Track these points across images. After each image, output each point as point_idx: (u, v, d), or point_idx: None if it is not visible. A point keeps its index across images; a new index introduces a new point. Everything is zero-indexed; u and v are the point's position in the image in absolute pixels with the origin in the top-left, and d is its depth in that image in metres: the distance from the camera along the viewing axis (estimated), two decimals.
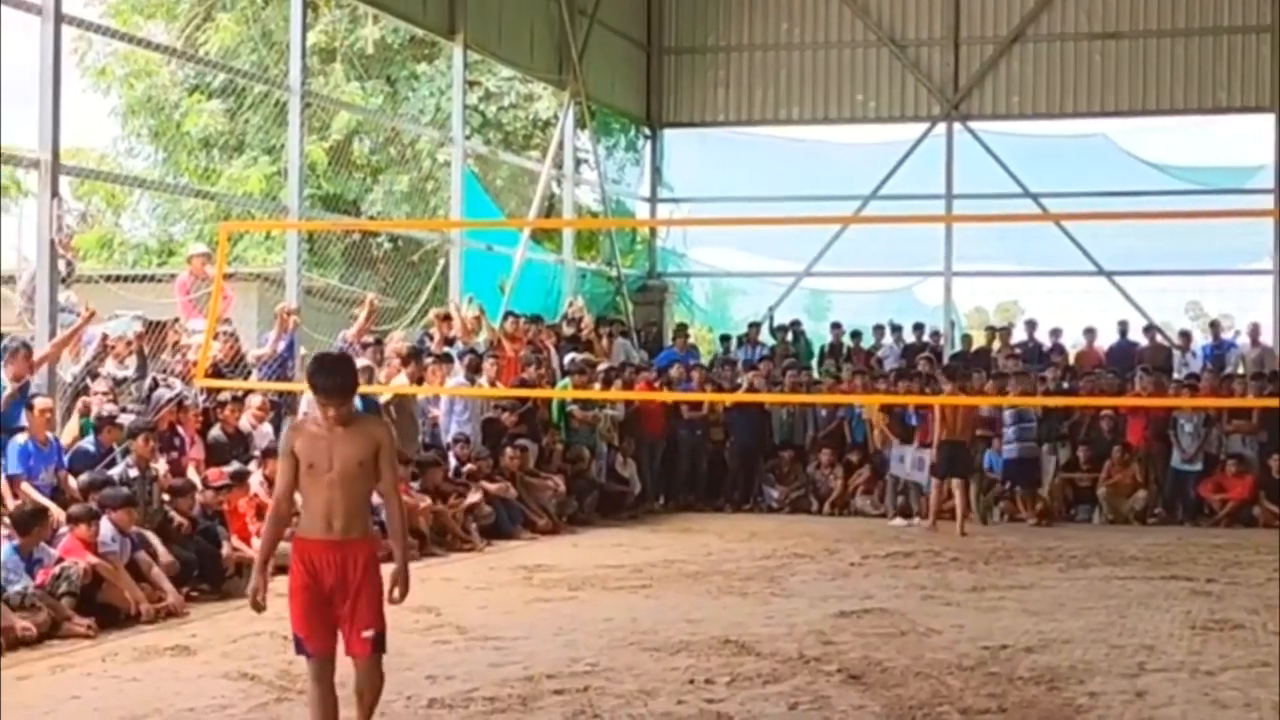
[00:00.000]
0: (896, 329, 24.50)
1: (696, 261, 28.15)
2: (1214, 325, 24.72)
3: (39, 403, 12.59)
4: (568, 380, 19.41)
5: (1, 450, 12.46)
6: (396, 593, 6.96)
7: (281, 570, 7.87)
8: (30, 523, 11.01)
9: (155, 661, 9.91)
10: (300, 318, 16.59)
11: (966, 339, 25.52)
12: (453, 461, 17.06)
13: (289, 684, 9.02)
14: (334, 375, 6.77)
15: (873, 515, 19.88)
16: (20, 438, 12.37)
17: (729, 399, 20.76)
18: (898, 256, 26.60)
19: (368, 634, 6.84)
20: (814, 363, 24.03)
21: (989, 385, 19.99)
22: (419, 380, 16.88)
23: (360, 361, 16.13)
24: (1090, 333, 24.43)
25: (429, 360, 17.33)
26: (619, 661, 9.83)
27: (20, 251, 18.41)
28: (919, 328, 24.68)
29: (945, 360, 22.97)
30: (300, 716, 8.24)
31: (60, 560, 11.07)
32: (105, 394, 13.78)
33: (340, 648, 6.90)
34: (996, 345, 23.97)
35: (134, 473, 12.68)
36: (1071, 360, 23.43)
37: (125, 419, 13.34)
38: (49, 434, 12.54)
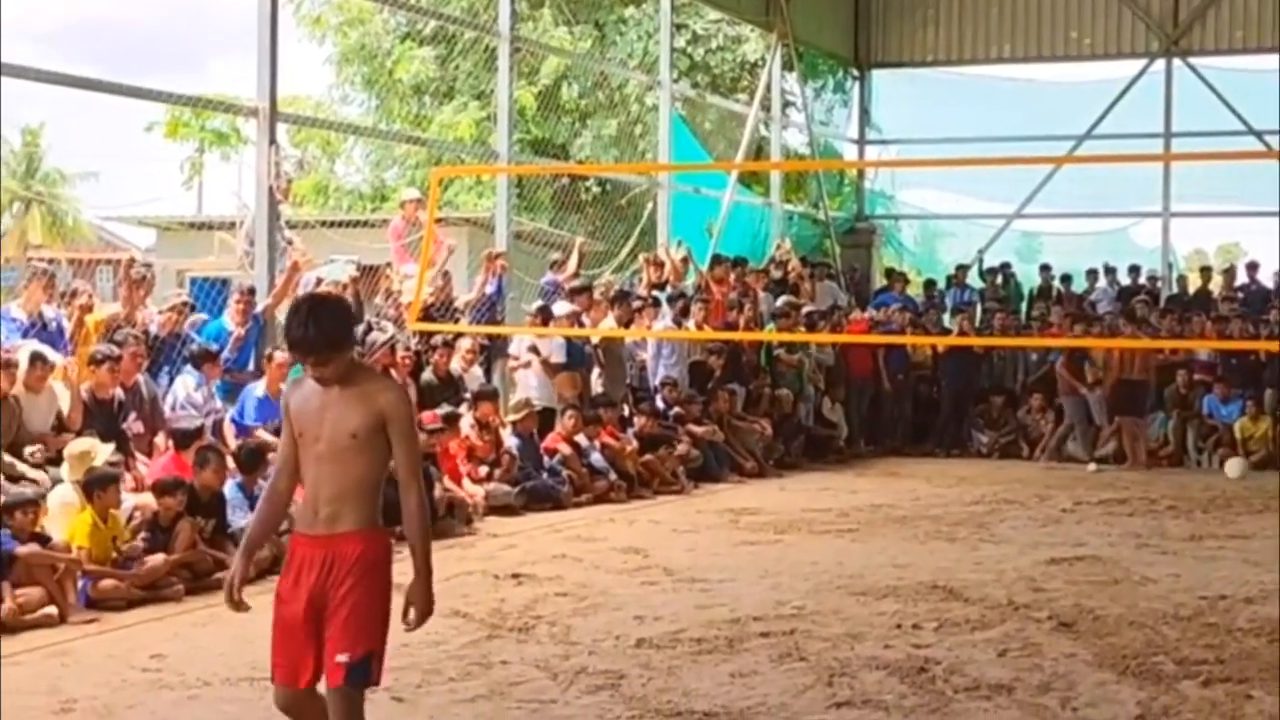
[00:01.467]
0: (1111, 271, 23.96)
1: (905, 203, 27.82)
2: None
3: (278, 356, 12.99)
4: (773, 324, 19.36)
5: (231, 396, 12.93)
6: (412, 615, 5.37)
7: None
8: (253, 461, 11.34)
9: None
10: (508, 261, 16.78)
11: (1183, 281, 24.84)
12: (660, 404, 17.16)
13: (500, 621, 9.19)
14: (307, 326, 5.23)
15: (1084, 461, 19.52)
16: (259, 389, 12.78)
17: (936, 342, 20.53)
18: (1112, 197, 25.97)
19: (341, 658, 5.20)
20: (1023, 306, 23.62)
21: (1209, 328, 19.52)
22: (626, 323, 16.99)
23: (564, 307, 16.32)
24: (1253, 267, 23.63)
25: (636, 303, 17.44)
26: (825, 605, 9.81)
27: (240, 198, 18.89)
28: (1135, 270, 24.10)
29: (1162, 303, 22.43)
30: (512, 652, 8.40)
31: None
32: None
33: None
34: (1216, 288, 23.30)
35: None
36: None
37: None
38: (282, 386, 12.92)
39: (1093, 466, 18.87)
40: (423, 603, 5.34)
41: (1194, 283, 24.25)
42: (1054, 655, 8.39)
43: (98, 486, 9.89)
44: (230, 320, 13.56)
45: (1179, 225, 25.98)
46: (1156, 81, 25.42)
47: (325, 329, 5.21)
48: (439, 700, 7.43)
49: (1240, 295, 22.44)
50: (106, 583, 9.67)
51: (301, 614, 5.23)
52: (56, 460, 10.71)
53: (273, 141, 14.13)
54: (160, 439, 11.85)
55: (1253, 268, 23.75)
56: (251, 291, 13.72)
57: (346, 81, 28.09)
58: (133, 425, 11.67)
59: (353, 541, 5.25)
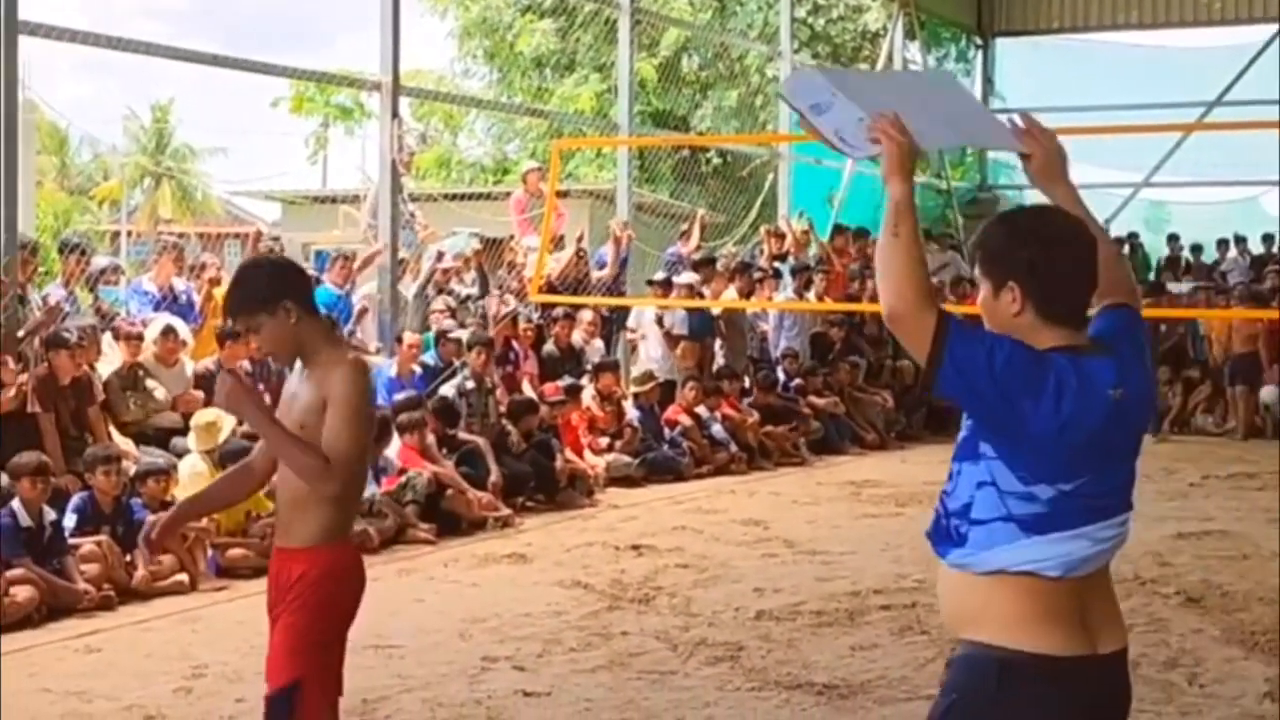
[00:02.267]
0: (1241, 241, 23.50)
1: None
2: None
3: (408, 337, 13.18)
4: None
5: None
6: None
7: None
8: (378, 432, 11.49)
9: (493, 568, 10.26)
10: (633, 232, 16.81)
11: None
12: (781, 376, 17.12)
13: (620, 593, 9.24)
14: (231, 287, 4.76)
15: (1214, 434, 19.19)
16: (391, 369, 12.95)
17: None
18: (1243, 165, 25.41)
19: (266, 689, 4.63)
20: (1151, 276, 23.25)
21: None
22: (748, 295, 16.97)
23: (689, 277, 16.33)
24: None
25: (757, 275, 17.41)
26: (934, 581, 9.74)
27: (364, 172, 19.09)
28: (1268, 239, 23.63)
29: None
30: (632, 623, 8.45)
31: (403, 470, 11.54)
32: (444, 311, 14.24)
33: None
34: None
35: (470, 384, 13.11)
36: None
37: (461, 333, 13.80)
38: (414, 367, 13.09)
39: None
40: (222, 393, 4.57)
41: None
42: (1181, 631, 8.29)
43: (230, 460, 10.06)
44: (330, 284, 13.63)
45: None
46: None
47: (244, 289, 4.58)
48: (559, 670, 7.49)
49: None
50: (235, 551, 9.85)
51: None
52: (184, 430, 10.93)
53: (396, 115, 14.27)
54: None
55: None
56: (346, 258, 13.88)
57: (468, 55, 28.25)
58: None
59: (296, 559, 4.54)
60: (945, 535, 3.41)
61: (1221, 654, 7.79)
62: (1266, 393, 18.78)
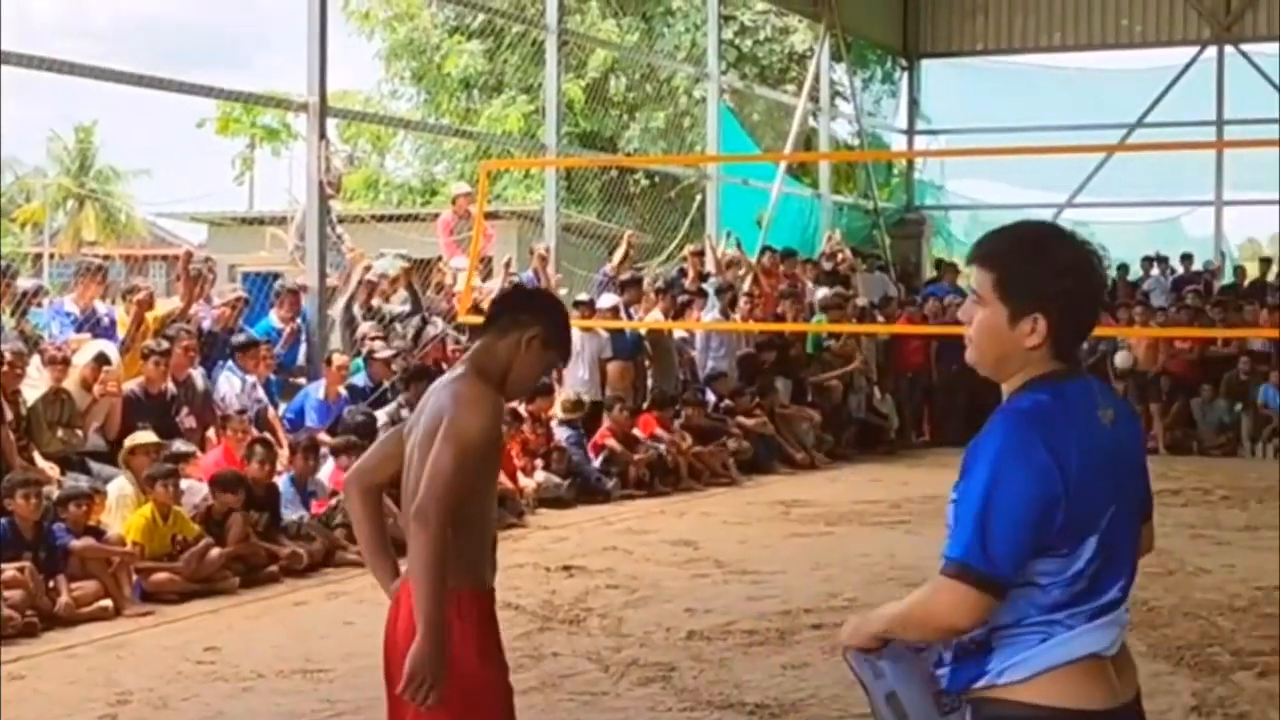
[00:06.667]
0: (1163, 261, 23.78)
1: (955, 194, 27.69)
2: None
3: (336, 359, 13.12)
4: (823, 315, 19.31)
5: (278, 391, 13.03)
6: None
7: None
8: (308, 456, 11.46)
9: None
10: (547, 254, 16.70)
11: (1239, 271, 24.62)
12: (710, 397, 17.14)
13: (551, 614, 9.21)
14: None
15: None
16: (319, 391, 12.88)
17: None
18: (1164, 186, 25.78)
19: None
20: None
21: (1264, 318, 19.47)
22: (674, 316, 16.99)
23: (611, 299, 16.35)
24: None
25: (683, 297, 17.43)
26: (877, 597, 9.77)
27: (291, 193, 18.99)
28: (1187, 259, 23.92)
29: (1216, 293, 22.29)
30: (563, 644, 8.42)
31: (335, 493, 11.47)
32: (373, 336, 14.17)
33: None
34: (1273, 277, 23.11)
35: (406, 413, 13.03)
36: None
37: (388, 352, 13.74)
38: (341, 389, 13.03)
39: None
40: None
41: (1252, 273, 24.03)
42: None
43: (157, 480, 9.97)
44: (276, 319, 13.67)
45: (1232, 214, 25.77)
46: (1208, 69, 25.21)
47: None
48: None
49: None
50: (161, 576, 9.75)
51: None
52: (109, 454, 10.82)
53: (323, 136, 14.20)
54: (212, 432, 11.93)
55: None
56: (293, 292, 13.82)
57: (396, 76, 28.23)
58: (185, 419, 11.75)
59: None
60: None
61: (1148, 669, 7.84)
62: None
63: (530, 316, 4.24)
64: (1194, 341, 19.83)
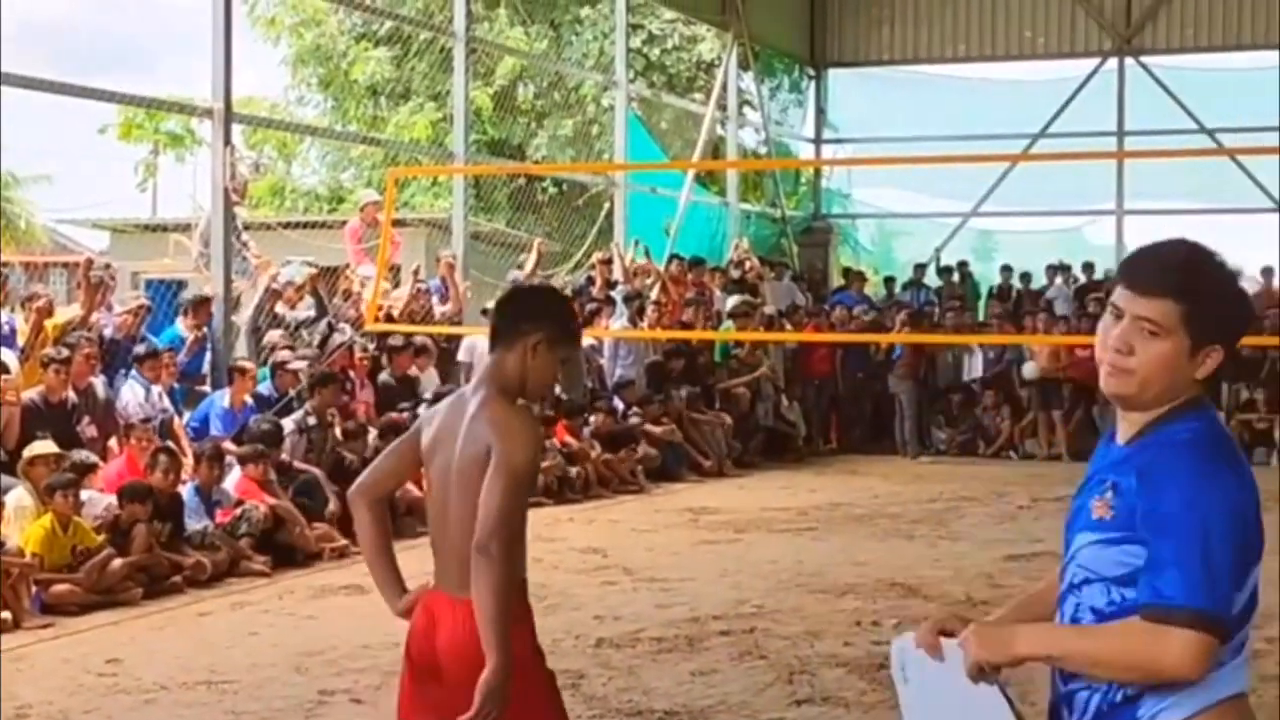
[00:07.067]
0: (1066, 270, 24.06)
1: (861, 202, 27.88)
2: None
3: (246, 367, 13.00)
4: (731, 323, 19.38)
5: (182, 400, 12.89)
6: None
7: None
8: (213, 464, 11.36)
9: (330, 600, 10.13)
10: (453, 261, 16.64)
11: None
12: (619, 405, 17.15)
13: None
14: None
15: (1042, 458, 19.64)
16: (224, 399, 12.75)
17: (893, 339, 20.57)
18: (1067, 196, 26.09)
19: None
20: (981, 304, 23.70)
21: None
22: (583, 323, 16.98)
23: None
24: (1268, 272, 23.76)
25: (591, 305, 17.43)
26: (785, 603, 9.83)
27: (195, 200, 18.81)
28: (1089, 268, 24.22)
29: None
30: None
31: (240, 502, 11.36)
32: (280, 345, 14.06)
33: None
34: None
35: (313, 420, 12.95)
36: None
37: (299, 364, 13.63)
38: (246, 398, 12.90)
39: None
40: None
41: None
42: None
43: (57, 490, 9.83)
44: (184, 327, 13.54)
45: (1133, 223, 26.13)
46: (1109, 80, 25.56)
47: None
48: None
49: None
50: (61, 587, 9.61)
51: None
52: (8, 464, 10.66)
53: (228, 143, 14.07)
54: (114, 442, 11.77)
55: None
56: (205, 300, 13.69)
57: (302, 83, 28.00)
58: (86, 429, 11.60)
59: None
60: None
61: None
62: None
63: (530, 324, 4.26)
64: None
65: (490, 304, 16.02)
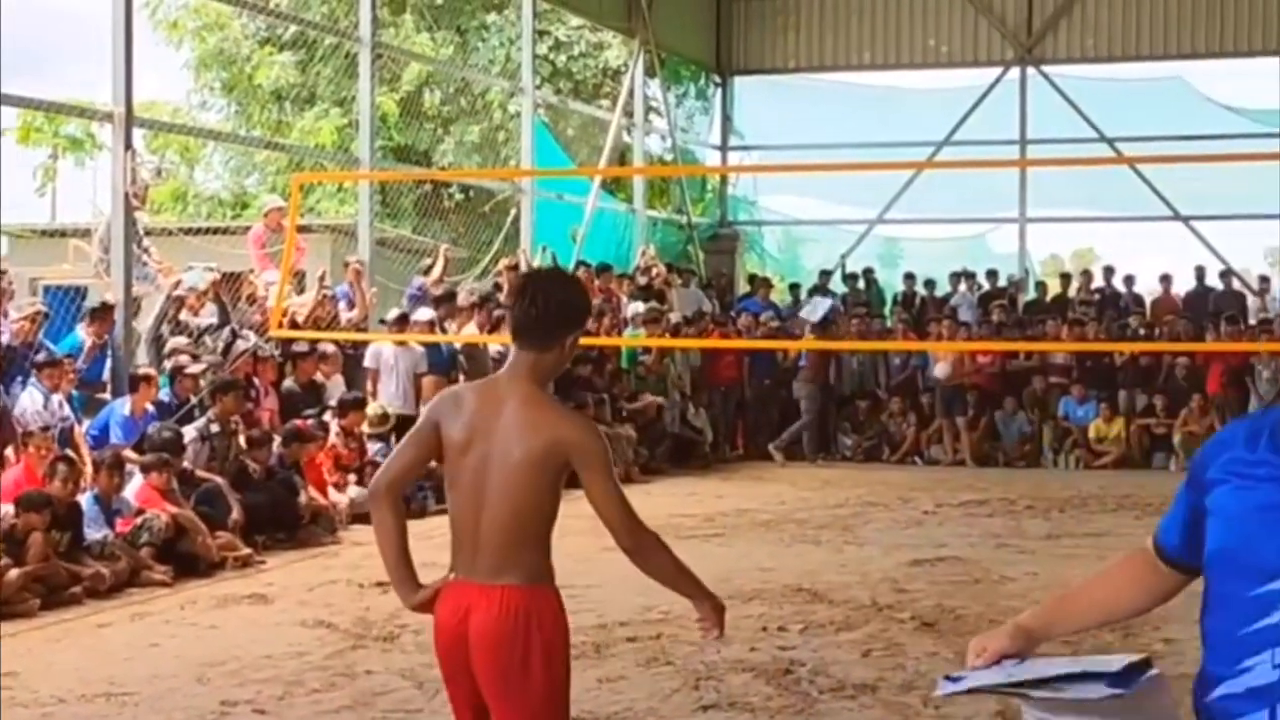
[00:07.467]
0: (970, 277, 24.29)
1: (768, 209, 27.99)
2: None
3: (149, 374, 12.84)
4: (642, 330, 19.38)
5: (81, 407, 12.71)
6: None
7: None
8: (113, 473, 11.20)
9: (233, 609, 10.03)
10: (361, 268, 16.55)
11: (1041, 286, 25.28)
12: None
13: (364, 631, 9.11)
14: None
15: (946, 464, 19.81)
16: (125, 407, 12.57)
17: (799, 346, 20.69)
18: (971, 203, 26.36)
19: None
20: (886, 310, 23.87)
21: (1065, 332, 20.08)
22: (489, 330, 16.93)
23: (427, 313, 16.28)
24: (1166, 279, 24.11)
25: (498, 312, 17.37)
26: (691, 609, 9.81)
27: (96, 205, 18.56)
28: (992, 275, 24.46)
29: (1020, 308, 22.89)
30: (377, 662, 8.33)
31: (140, 511, 11.22)
32: (182, 350, 13.91)
33: None
34: (1074, 292, 23.75)
35: (216, 428, 12.81)
36: (1148, 307, 23.16)
37: (197, 368, 13.49)
38: (148, 405, 12.74)
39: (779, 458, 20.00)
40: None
41: (1053, 288, 24.66)
42: (916, 655, 8.49)
43: None
44: (85, 334, 13.35)
45: (1035, 231, 26.44)
46: (1012, 89, 25.85)
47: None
48: (302, 713, 7.34)
49: (1097, 299, 22.87)
50: None
51: None
52: None
53: (129, 147, 13.89)
54: (10, 450, 11.58)
55: (1109, 272, 24.16)
56: (107, 307, 13.50)
57: (205, 87, 27.71)
58: None
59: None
60: None
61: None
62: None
63: (564, 330, 4.35)
64: (997, 355, 20.34)
65: (487, 302, 15.79)
